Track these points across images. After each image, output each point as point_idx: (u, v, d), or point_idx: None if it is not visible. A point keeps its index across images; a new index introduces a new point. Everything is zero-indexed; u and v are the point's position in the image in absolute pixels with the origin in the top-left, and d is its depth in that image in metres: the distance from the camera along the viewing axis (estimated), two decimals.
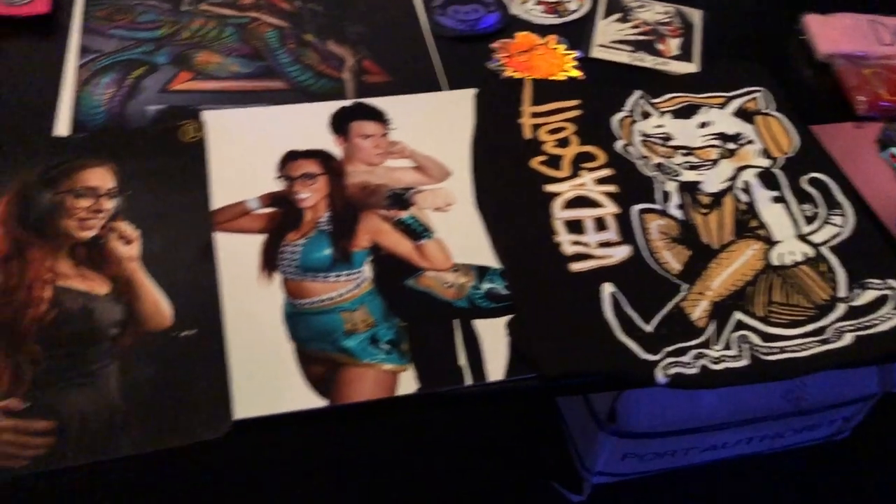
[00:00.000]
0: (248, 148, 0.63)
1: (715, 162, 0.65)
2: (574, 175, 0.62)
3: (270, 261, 0.57)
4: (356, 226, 0.59)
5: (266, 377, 0.51)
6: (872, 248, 0.59)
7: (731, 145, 0.66)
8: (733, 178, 0.64)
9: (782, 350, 0.54)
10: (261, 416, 0.49)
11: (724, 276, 0.58)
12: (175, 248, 0.57)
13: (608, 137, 0.65)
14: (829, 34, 0.77)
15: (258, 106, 0.67)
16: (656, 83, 0.72)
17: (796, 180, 0.63)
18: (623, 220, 0.59)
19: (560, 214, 0.59)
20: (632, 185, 0.61)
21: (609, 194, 0.61)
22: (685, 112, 0.68)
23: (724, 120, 0.68)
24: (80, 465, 0.46)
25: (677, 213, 0.61)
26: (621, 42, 0.77)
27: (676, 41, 0.77)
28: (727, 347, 0.54)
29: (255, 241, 0.58)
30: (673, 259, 0.58)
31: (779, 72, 0.73)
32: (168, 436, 0.47)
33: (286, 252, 0.57)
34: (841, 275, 0.58)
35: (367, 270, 0.57)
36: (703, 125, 0.68)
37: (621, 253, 0.58)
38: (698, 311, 0.55)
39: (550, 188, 0.61)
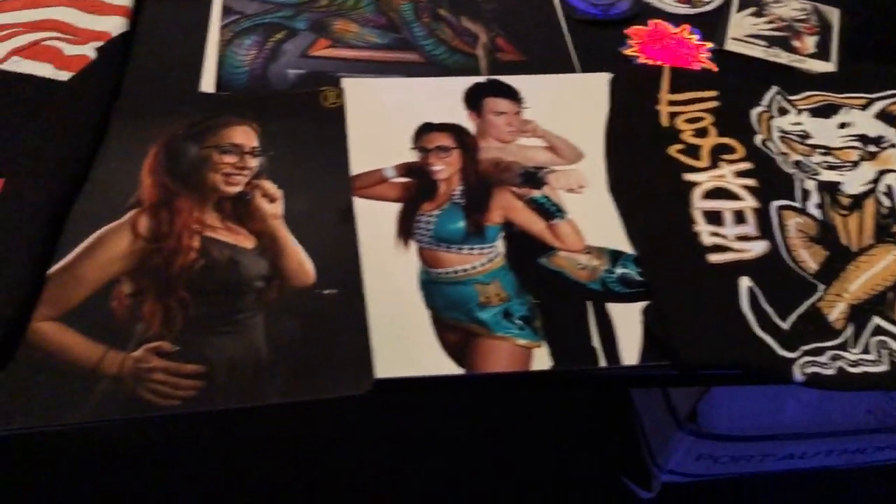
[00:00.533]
0: (384, 117, 0.64)
1: (855, 164, 0.63)
2: (713, 166, 0.61)
3: (406, 229, 0.58)
4: (489, 201, 0.60)
5: (404, 340, 0.51)
6: None
7: (873, 148, 0.64)
8: (875, 182, 0.62)
9: None
10: (400, 377, 0.49)
11: (862, 280, 0.56)
12: (316, 210, 0.58)
13: (747, 131, 0.64)
14: None
15: (394, 77, 0.68)
16: (792, 80, 0.70)
17: None
18: (762, 215, 0.58)
19: (699, 204, 0.59)
20: (771, 181, 0.60)
21: (748, 188, 0.60)
22: (824, 111, 0.67)
23: (865, 122, 0.66)
24: (227, 409, 0.48)
25: (816, 213, 0.60)
26: (755, 36, 0.75)
27: (813, 39, 0.75)
28: (865, 351, 0.53)
29: (392, 209, 0.59)
30: (810, 258, 0.57)
31: None
32: (312, 388, 0.49)
33: (421, 221, 0.58)
34: None
35: (499, 246, 0.57)
36: (842, 125, 0.66)
37: (759, 248, 0.57)
38: (835, 313, 0.54)
39: (690, 177, 0.60)
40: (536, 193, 0.60)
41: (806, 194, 0.60)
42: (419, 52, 0.70)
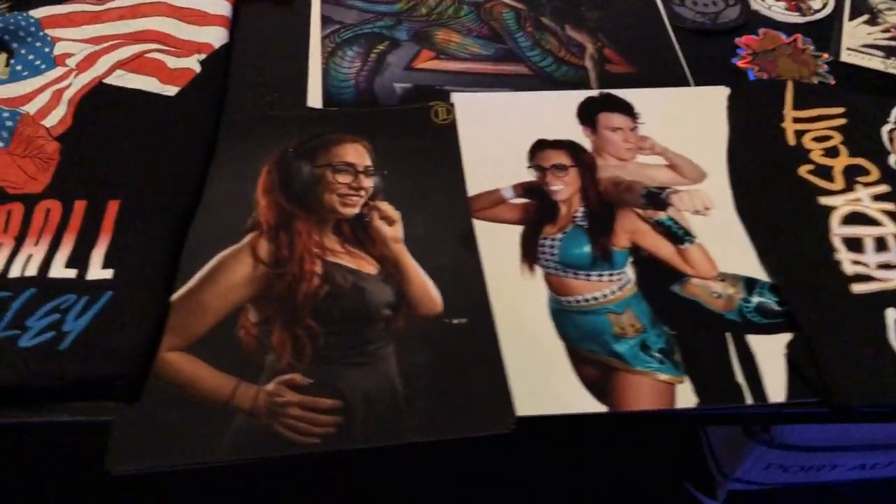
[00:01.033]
0: (497, 133, 0.62)
1: None
2: (849, 189, 0.58)
3: (531, 253, 0.56)
4: (613, 223, 0.57)
5: (540, 374, 0.49)
6: None
7: None
8: None
9: None
10: (542, 415, 0.48)
11: None
12: (435, 233, 0.56)
13: (879, 151, 0.61)
14: None
15: (502, 90, 0.66)
16: None
17: None
18: None
19: (838, 230, 0.56)
20: None
21: (887, 213, 0.57)
22: None
23: None
24: (367, 448, 0.46)
25: None
26: (871, 46, 0.72)
27: None
28: None
29: (512, 232, 0.57)
30: None
31: None
32: (454, 426, 0.47)
33: (545, 245, 0.56)
34: None
35: (629, 272, 0.55)
36: None
37: None
38: None
39: (825, 201, 0.58)
40: (662, 215, 0.58)
41: None
42: (526, 64, 0.68)
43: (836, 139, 0.61)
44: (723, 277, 0.55)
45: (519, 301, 0.53)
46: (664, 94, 0.66)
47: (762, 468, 1.02)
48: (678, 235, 0.57)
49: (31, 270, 0.50)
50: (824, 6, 0.76)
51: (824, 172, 0.59)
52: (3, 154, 0.56)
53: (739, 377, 0.50)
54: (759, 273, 0.55)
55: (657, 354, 0.51)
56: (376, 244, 0.55)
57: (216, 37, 0.66)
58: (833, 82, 0.69)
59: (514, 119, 0.63)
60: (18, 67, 0.62)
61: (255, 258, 0.53)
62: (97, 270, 0.50)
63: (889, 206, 0.58)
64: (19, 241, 0.52)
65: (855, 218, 0.57)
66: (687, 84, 0.67)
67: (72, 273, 0.50)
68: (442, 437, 0.46)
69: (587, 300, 0.53)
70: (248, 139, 0.60)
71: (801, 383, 0.50)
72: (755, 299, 0.54)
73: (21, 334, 0.47)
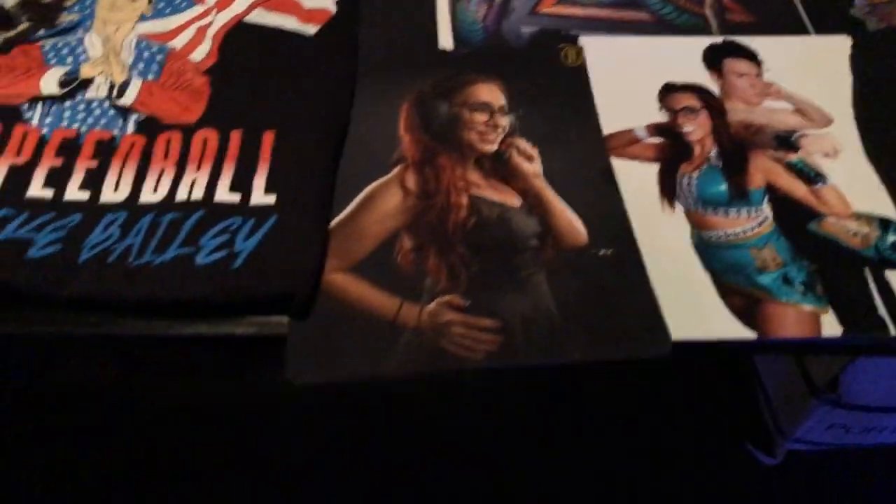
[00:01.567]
0: (626, 76, 0.63)
1: None
2: None
3: (669, 190, 0.57)
4: (747, 164, 0.59)
5: (689, 303, 0.51)
6: None
7: None
8: None
9: None
10: (697, 340, 0.49)
11: None
12: (574, 170, 0.57)
13: None
14: None
15: (625, 35, 0.67)
16: None
17: None
18: None
19: None
20: None
21: None
22: None
23: None
24: (529, 365, 0.48)
25: None
26: None
27: None
28: None
29: (650, 170, 0.58)
30: None
31: None
32: (613, 348, 0.49)
33: (683, 183, 0.57)
34: None
35: (766, 209, 0.56)
36: None
37: None
38: None
39: None
40: (793, 157, 0.59)
41: None
42: (647, 11, 0.69)
43: None
44: (857, 217, 0.56)
45: (662, 235, 0.54)
46: (786, 43, 0.67)
47: (824, 428, 1.03)
48: (810, 176, 0.58)
49: (197, 194, 0.52)
50: None
51: None
52: (155, 86, 0.59)
53: (882, 310, 0.52)
54: (892, 213, 0.56)
55: (800, 287, 0.52)
56: (517, 179, 0.57)
57: None
58: None
59: (642, 63, 0.64)
60: (161, 5, 0.64)
61: (404, 189, 0.55)
62: (260, 196, 0.52)
63: None
64: (181, 167, 0.54)
65: None
66: (806, 32, 0.68)
67: (236, 197, 0.52)
68: (602, 358, 0.48)
69: (728, 235, 0.55)
70: (386, 79, 0.62)
71: None
72: (891, 238, 0.55)
73: (196, 252, 0.49)
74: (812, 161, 0.59)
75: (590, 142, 0.59)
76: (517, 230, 0.54)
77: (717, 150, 0.59)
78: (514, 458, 1.11)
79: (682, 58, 0.65)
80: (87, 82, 0.58)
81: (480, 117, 0.60)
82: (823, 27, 0.69)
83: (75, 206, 0.51)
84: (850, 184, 0.58)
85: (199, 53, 0.61)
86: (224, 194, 0.52)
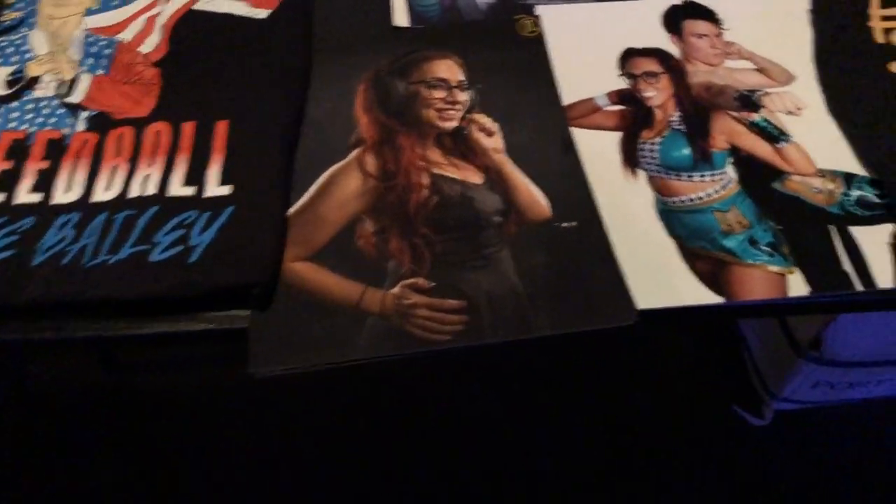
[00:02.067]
0: (585, 44, 0.62)
1: None
2: None
3: (631, 157, 0.56)
4: (709, 126, 0.58)
5: (655, 271, 0.51)
6: None
7: None
8: None
9: None
10: (663, 308, 0.49)
11: None
12: (535, 142, 0.57)
13: None
14: None
15: (588, 2, 0.66)
16: None
17: None
18: None
19: None
20: None
21: None
22: None
23: None
24: (496, 343, 0.48)
25: None
26: None
27: None
28: None
29: (612, 138, 0.57)
30: None
31: None
32: (579, 320, 0.48)
33: (645, 150, 0.57)
34: None
35: (730, 171, 0.56)
36: None
37: None
38: None
39: None
40: (756, 117, 0.58)
41: None
42: None
43: None
44: (822, 174, 0.56)
45: (626, 203, 0.54)
46: (746, 1, 0.66)
47: (810, 386, 1.04)
48: (774, 135, 0.57)
49: (151, 189, 0.51)
50: None
51: None
52: (105, 81, 0.57)
53: (847, 266, 0.51)
54: (856, 168, 0.56)
55: (766, 248, 0.52)
56: (478, 155, 0.56)
57: None
58: None
59: (601, 30, 0.63)
60: None
61: (363, 172, 0.54)
62: (215, 187, 0.52)
63: None
64: (133, 163, 0.53)
65: None
66: None
67: (190, 191, 0.51)
68: (569, 331, 0.48)
69: (692, 200, 0.54)
70: (342, 59, 0.61)
71: None
72: (855, 193, 0.55)
73: (151, 249, 0.48)
74: (775, 119, 0.58)
75: (550, 113, 0.58)
76: (480, 207, 0.53)
77: (679, 114, 0.58)
78: (505, 423, 1.12)
79: (642, 22, 0.64)
80: (34, 81, 0.57)
81: (439, 94, 0.59)
82: None
83: (27, 209, 0.50)
84: (813, 141, 0.57)
85: (149, 45, 0.59)
86: (178, 188, 0.52)
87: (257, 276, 0.48)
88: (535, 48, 0.62)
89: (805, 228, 0.53)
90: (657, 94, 0.60)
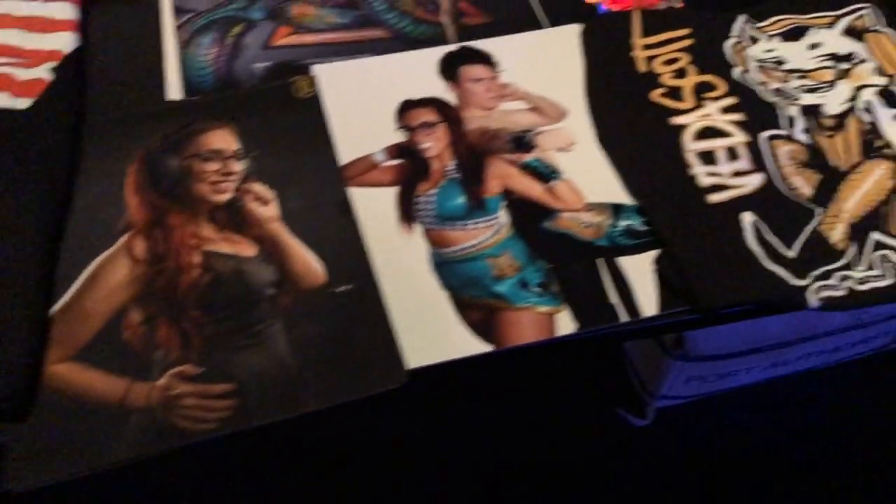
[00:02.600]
0: (362, 100, 0.63)
1: (831, 83, 0.64)
2: (698, 105, 0.61)
3: (408, 212, 0.57)
4: (484, 172, 0.59)
5: (428, 326, 0.51)
6: None
7: (845, 65, 0.65)
8: (853, 99, 0.63)
9: None
10: (432, 364, 0.49)
11: (856, 198, 0.58)
12: (312, 206, 0.57)
13: (724, 65, 0.64)
14: None
15: (363, 56, 0.66)
16: (757, 7, 0.70)
17: None
18: (753, 149, 0.59)
19: (691, 146, 0.59)
20: (757, 113, 0.61)
21: (736, 123, 0.60)
22: (793, 34, 0.67)
23: (834, 40, 0.67)
24: (264, 424, 0.47)
25: (803, 138, 0.61)
26: None
27: None
28: (870, 268, 0.54)
29: (389, 194, 0.58)
30: (804, 184, 0.58)
31: None
32: (347, 389, 0.48)
33: (421, 203, 0.57)
34: None
35: (503, 216, 0.57)
36: (813, 46, 0.67)
37: (755, 181, 0.58)
38: (836, 235, 0.56)
39: (677, 120, 0.61)
40: (529, 157, 0.60)
41: (791, 121, 0.61)
42: (384, 28, 0.69)
43: (684, 60, 0.64)
44: (591, 207, 0.57)
45: (401, 260, 0.54)
46: (520, 40, 0.68)
47: (682, 382, 1.07)
48: (545, 174, 0.59)
49: None
50: None
51: (675, 94, 0.62)
52: None
53: (614, 298, 0.53)
54: (624, 198, 0.58)
55: (536, 289, 0.53)
56: (252, 226, 0.56)
57: (66, 42, 0.64)
58: (682, 5, 0.71)
59: (378, 83, 0.64)
60: None
61: (131, 259, 0.53)
62: None
63: (737, 116, 0.61)
64: None
65: (706, 133, 0.60)
66: (541, 27, 0.69)
67: None
68: (336, 402, 0.48)
69: (465, 248, 0.55)
70: (112, 141, 0.60)
71: (670, 295, 0.53)
72: (622, 223, 0.57)
73: None
74: (547, 158, 0.60)
75: (327, 175, 0.58)
76: (253, 281, 0.53)
77: (454, 163, 0.59)
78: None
79: (419, 72, 0.65)
80: None
81: (212, 166, 0.58)
82: (559, 19, 0.70)
83: None
84: (585, 175, 0.59)
85: None
86: None
87: (8, 386, 0.46)
88: (312, 109, 0.62)
89: (574, 264, 0.55)
90: (434, 144, 0.61)
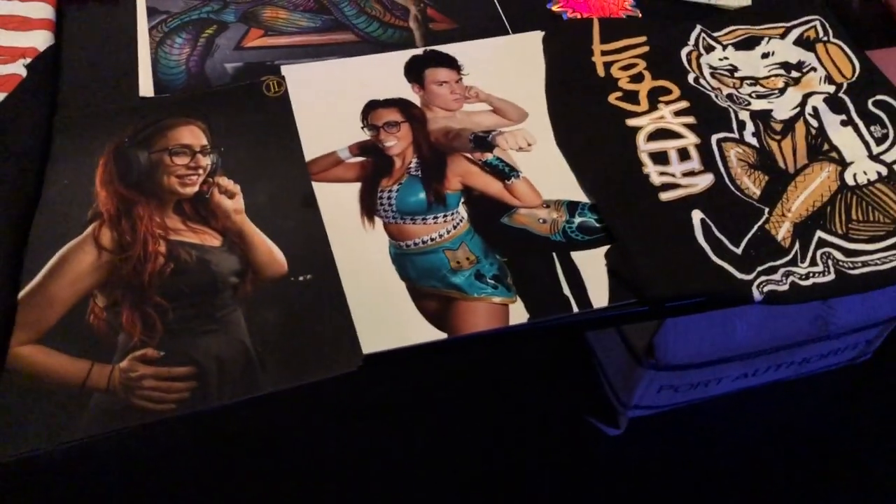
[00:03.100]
0: (330, 100, 0.65)
1: (782, 90, 0.67)
2: (653, 108, 0.64)
3: (369, 207, 0.59)
4: (445, 169, 0.61)
5: (385, 314, 0.53)
6: None
7: (795, 73, 0.68)
8: (802, 105, 0.65)
9: (865, 264, 0.56)
10: (388, 350, 0.51)
11: (802, 198, 0.60)
12: (277, 200, 0.58)
13: (679, 71, 0.67)
14: None
15: (332, 59, 0.68)
16: (714, 18, 0.73)
17: (863, 103, 0.65)
18: (704, 150, 0.61)
19: (645, 147, 0.61)
20: (708, 116, 0.63)
21: (688, 125, 0.63)
22: (747, 43, 0.70)
23: (785, 49, 0.70)
24: (223, 406, 0.49)
25: (753, 141, 0.63)
26: None
27: None
28: (813, 264, 0.56)
29: (352, 189, 0.60)
30: (753, 184, 0.60)
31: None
32: (303, 373, 0.50)
33: (383, 198, 0.59)
34: None
35: (462, 211, 0.59)
36: (765, 56, 0.69)
37: (705, 181, 0.60)
38: (782, 232, 0.58)
39: (632, 122, 0.63)
40: (489, 156, 0.62)
41: (742, 125, 0.64)
42: (353, 32, 0.71)
43: (641, 66, 0.67)
44: (547, 204, 0.59)
45: (361, 252, 0.56)
46: (485, 45, 0.70)
47: (655, 392, 1.09)
48: (505, 172, 0.61)
49: None
50: None
51: (631, 97, 0.65)
52: None
53: (566, 290, 0.55)
54: (580, 196, 0.60)
55: (491, 281, 0.55)
56: (218, 218, 0.57)
57: (40, 40, 0.66)
58: (640, 15, 0.74)
59: (345, 84, 0.66)
60: None
61: (98, 247, 0.55)
62: None
63: (689, 119, 0.63)
64: None
65: (659, 134, 0.62)
66: (506, 33, 0.72)
67: None
68: (293, 384, 0.49)
69: (424, 242, 0.57)
70: (84, 134, 0.61)
71: (620, 287, 0.55)
72: (577, 220, 0.59)
73: None
74: (507, 157, 0.62)
75: (293, 170, 0.60)
76: (216, 270, 0.54)
77: (417, 161, 0.61)
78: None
79: (385, 74, 0.67)
80: None
81: (181, 160, 0.60)
82: (523, 26, 0.72)
83: None
84: (542, 173, 0.61)
85: None
86: None
87: None
88: (280, 107, 0.64)
89: (529, 258, 0.57)
90: (397, 143, 0.63)
